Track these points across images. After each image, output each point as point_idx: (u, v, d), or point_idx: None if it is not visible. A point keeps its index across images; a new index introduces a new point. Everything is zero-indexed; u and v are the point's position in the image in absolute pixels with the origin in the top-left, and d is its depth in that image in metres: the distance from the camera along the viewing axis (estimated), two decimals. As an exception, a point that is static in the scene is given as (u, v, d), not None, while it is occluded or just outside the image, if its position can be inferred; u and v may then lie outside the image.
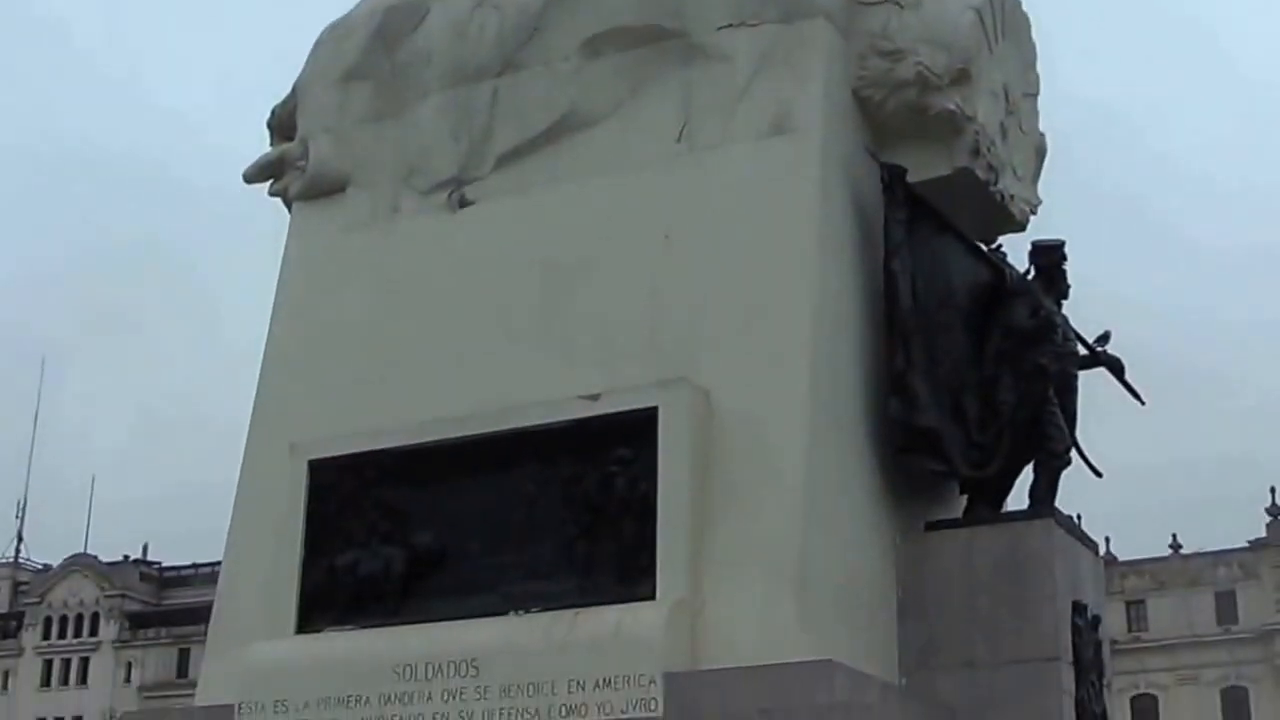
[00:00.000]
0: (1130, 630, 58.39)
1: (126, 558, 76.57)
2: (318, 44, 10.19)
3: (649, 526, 7.65)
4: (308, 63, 10.19)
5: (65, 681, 72.93)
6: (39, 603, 74.46)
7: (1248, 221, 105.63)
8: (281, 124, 10.18)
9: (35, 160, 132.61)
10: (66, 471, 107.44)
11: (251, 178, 10.21)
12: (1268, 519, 60.55)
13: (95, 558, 75.41)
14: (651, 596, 7.54)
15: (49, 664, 73.58)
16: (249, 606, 8.78)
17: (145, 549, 77.86)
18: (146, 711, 28.39)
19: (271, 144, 10.24)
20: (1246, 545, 60.33)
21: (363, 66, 9.81)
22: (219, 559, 9.58)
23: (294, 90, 10.18)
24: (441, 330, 8.99)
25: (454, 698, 7.72)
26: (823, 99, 8.41)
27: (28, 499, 78.38)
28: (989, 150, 8.83)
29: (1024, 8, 9.68)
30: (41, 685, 73.12)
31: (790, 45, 8.53)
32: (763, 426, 7.78)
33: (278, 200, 10.18)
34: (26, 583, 77.51)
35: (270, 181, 10.13)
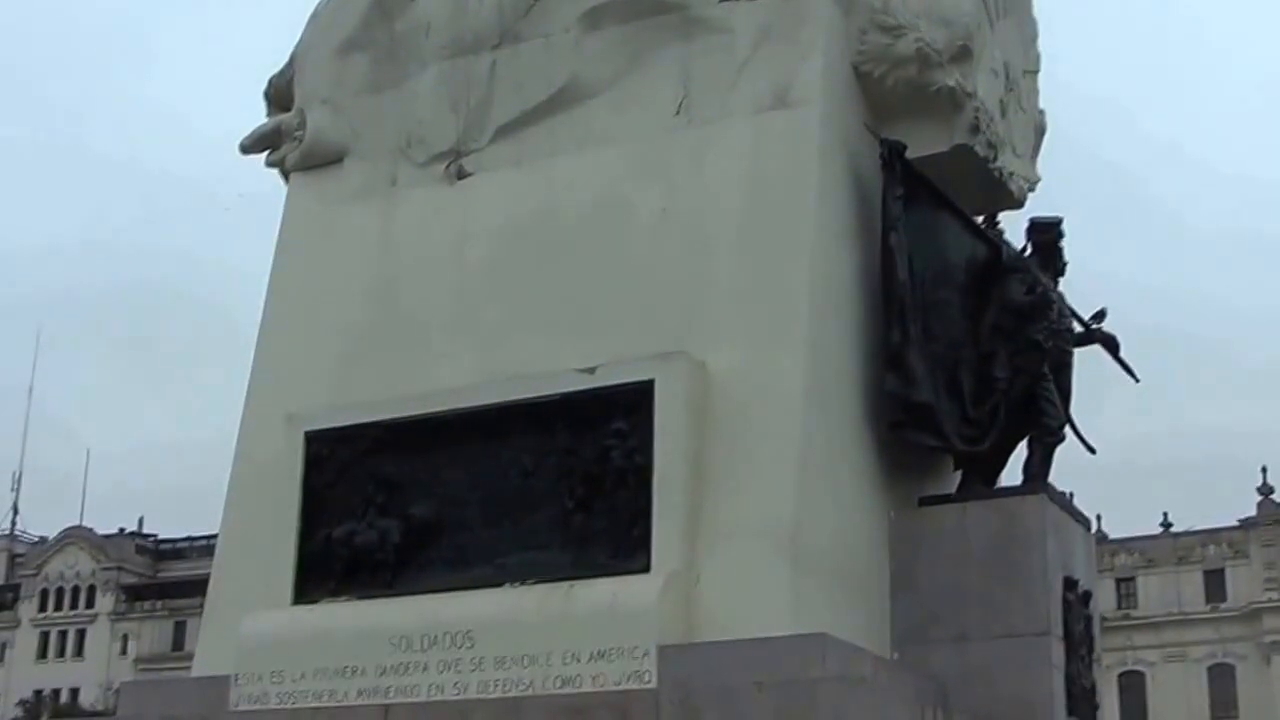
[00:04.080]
0: (1119, 607, 58.73)
1: (122, 530, 76.74)
2: (316, 13, 10.14)
3: (644, 499, 7.65)
4: (305, 32, 10.13)
5: (62, 653, 73.20)
6: (35, 575, 74.65)
7: (1244, 208, 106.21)
8: (279, 94, 10.12)
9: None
10: (62, 443, 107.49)
11: (248, 148, 10.16)
12: (1258, 498, 60.82)
13: (91, 530, 75.57)
14: (646, 569, 7.55)
15: (45, 636, 73.82)
16: (245, 578, 8.78)
17: (141, 522, 78.06)
18: (143, 683, 28.49)
19: (269, 114, 10.18)
20: (1236, 524, 60.62)
21: (361, 36, 9.76)
22: (215, 531, 9.59)
23: (291, 59, 10.12)
24: (438, 302, 8.99)
25: (449, 669, 7.74)
26: (822, 74, 8.39)
27: (23, 471, 78.49)
28: (988, 127, 8.82)
29: (1025, -15, 9.66)
30: (38, 657, 73.40)
31: (790, 19, 8.50)
32: (759, 400, 7.79)
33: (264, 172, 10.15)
34: (23, 555, 77.67)
35: (267, 152, 10.10)
